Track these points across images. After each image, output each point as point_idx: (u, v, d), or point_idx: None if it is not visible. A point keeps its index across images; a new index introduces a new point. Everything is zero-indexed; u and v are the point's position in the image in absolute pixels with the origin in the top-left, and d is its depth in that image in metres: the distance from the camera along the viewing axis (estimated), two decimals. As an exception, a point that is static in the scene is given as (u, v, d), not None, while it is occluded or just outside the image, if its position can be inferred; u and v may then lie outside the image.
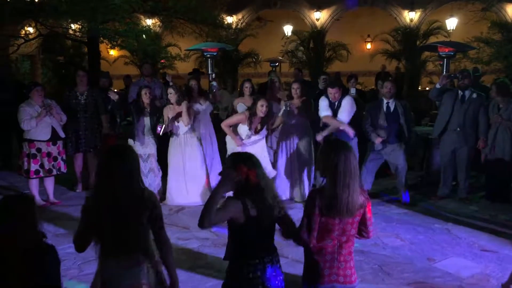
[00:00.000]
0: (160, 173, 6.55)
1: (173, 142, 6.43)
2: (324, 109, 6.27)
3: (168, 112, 6.29)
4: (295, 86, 6.47)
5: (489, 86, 7.62)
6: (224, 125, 6.20)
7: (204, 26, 12.86)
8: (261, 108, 5.86)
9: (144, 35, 11.37)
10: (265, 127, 6.08)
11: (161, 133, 6.31)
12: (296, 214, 5.96)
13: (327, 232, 2.69)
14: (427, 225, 5.64)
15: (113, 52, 16.39)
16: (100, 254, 2.63)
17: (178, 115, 6.26)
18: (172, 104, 6.29)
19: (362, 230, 2.80)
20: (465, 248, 4.97)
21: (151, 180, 6.35)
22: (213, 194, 2.59)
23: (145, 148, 6.33)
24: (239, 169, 2.61)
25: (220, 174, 2.70)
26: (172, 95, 6.26)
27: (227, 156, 3.31)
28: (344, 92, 6.55)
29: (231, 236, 2.73)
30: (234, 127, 6.18)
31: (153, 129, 6.36)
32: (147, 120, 6.34)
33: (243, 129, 6.07)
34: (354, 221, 2.71)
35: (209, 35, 13.91)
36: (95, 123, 6.98)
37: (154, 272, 2.67)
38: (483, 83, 8.87)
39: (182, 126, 6.32)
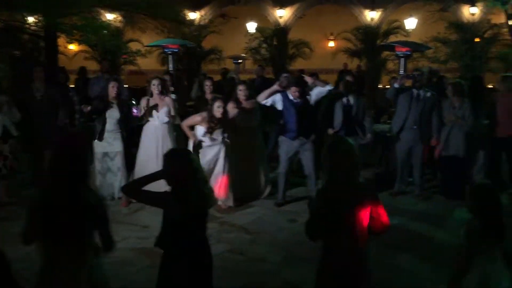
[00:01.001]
0: (126, 172, 6.37)
1: (147, 131, 6.32)
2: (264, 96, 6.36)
3: (147, 102, 6.26)
4: (241, 87, 6.46)
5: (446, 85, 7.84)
6: (183, 125, 6.16)
7: (166, 22, 12.72)
8: (218, 109, 5.84)
9: (104, 30, 11.14)
10: (221, 129, 6.00)
11: (139, 116, 6.23)
12: (255, 212, 6.07)
13: (336, 227, 2.77)
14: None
15: (73, 47, 15.98)
16: (44, 248, 2.62)
17: (157, 105, 6.23)
18: (151, 96, 6.26)
19: (375, 225, 2.88)
20: (421, 244, 5.11)
21: (120, 179, 6.25)
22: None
23: (111, 145, 6.21)
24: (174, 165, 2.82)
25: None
26: (155, 86, 6.22)
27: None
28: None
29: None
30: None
31: (122, 123, 6.23)
32: (115, 114, 6.21)
33: (200, 130, 6.01)
34: (362, 215, 2.79)
35: (171, 31, 13.76)
36: (52, 119, 6.79)
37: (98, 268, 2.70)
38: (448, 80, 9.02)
39: (162, 116, 6.25)
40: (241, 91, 6.40)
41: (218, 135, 6.01)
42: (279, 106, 6.23)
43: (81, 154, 2.71)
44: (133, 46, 14.75)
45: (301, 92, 6.16)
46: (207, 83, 6.84)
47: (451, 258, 3.21)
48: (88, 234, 2.67)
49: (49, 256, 2.62)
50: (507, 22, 11.95)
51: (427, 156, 6.92)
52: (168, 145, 6.26)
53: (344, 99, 6.60)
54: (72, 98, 7.23)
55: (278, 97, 6.27)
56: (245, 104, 6.41)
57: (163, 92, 6.30)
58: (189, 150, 3.07)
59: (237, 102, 6.40)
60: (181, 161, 2.84)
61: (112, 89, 6.19)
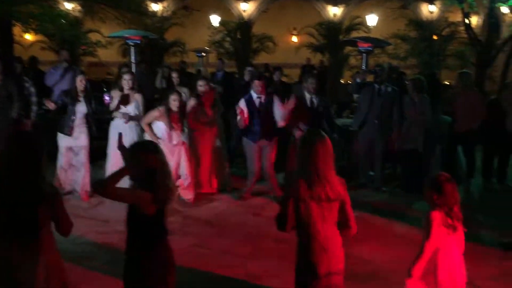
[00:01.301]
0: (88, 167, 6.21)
1: (115, 126, 6.16)
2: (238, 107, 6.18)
3: (117, 95, 6.15)
4: (201, 83, 6.40)
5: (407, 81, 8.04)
6: (143, 123, 6.04)
7: (127, 13, 12.41)
8: (174, 102, 5.77)
9: (62, 20, 10.76)
10: (182, 123, 5.95)
11: (109, 106, 6.10)
12: (219, 206, 6.05)
13: (310, 221, 2.78)
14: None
15: (29, 36, 15.38)
16: None
17: (126, 100, 6.12)
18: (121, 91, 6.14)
19: (345, 223, 2.93)
20: (379, 235, 5.22)
21: (83, 175, 6.08)
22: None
23: (76, 140, 6.03)
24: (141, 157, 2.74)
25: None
26: (126, 81, 6.10)
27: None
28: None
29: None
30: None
31: (90, 117, 6.07)
32: (82, 108, 6.03)
33: (159, 126, 5.92)
34: (334, 208, 2.83)
35: (132, 22, 13.45)
36: (7, 111, 6.51)
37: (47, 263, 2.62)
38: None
39: (131, 111, 6.13)
40: (201, 86, 6.34)
41: (177, 136, 5.93)
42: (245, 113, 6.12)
43: (33, 148, 2.64)
44: (93, 36, 14.35)
45: (264, 87, 6.10)
46: (174, 75, 6.74)
47: (410, 248, 3.29)
48: (44, 228, 2.61)
49: (3, 253, 2.54)
50: (463, 21, 12.33)
51: (387, 150, 7.07)
52: (136, 133, 6.18)
53: (308, 99, 6.56)
54: (29, 89, 6.95)
55: (242, 103, 6.15)
56: (205, 99, 6.35)
57: (134, 87, 6.18)
58: (156, 143, 2.98)
59: (198, 97, 6.34)
60: (151, 152, 2.76)
61: (80, 83, 6.02)
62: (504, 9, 13.18)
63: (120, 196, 2.70)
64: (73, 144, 6.02)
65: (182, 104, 5.93)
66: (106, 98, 6.10)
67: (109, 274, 4.05)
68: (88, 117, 6.06)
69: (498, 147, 6.97)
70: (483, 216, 5.74)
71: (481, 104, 6.96)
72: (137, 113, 6.17)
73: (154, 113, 5.99)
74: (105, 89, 6.17)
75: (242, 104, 6.10)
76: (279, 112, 6.07)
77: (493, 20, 12.25)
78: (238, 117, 6.03)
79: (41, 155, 2.67)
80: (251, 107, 6.09)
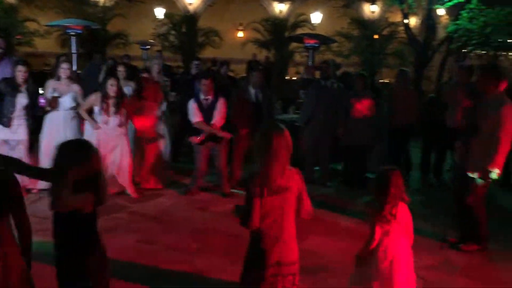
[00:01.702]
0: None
1: (50, 119, 5.94)
2: (193, 114, 6.05)
3: (52, 85, 5.89)
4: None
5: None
6: (81, 110, 5.88)
7: (67, 1, 11.92)
8: (111, 87, 5.66)
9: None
10: (121, 110, 5.80)
11: (46, 107, 5.79)
12: (165, 201, 5.95)
13: (268, 213, 2.77)
14: (292, 207, 5.93)
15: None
16: None
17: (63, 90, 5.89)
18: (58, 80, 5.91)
19: (302, 210, 2.92)
20: (326, 228, 5.33)
21: None
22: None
23: (13, 133, 5.70)
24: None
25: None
26: (63, 70, 5.88)
27: None
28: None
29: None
30: None
31: (29, 108, 5.76)
32: (23, 100, 5.70)
33: (97, 110, 5.81)
34: (291, 198, 2.82)
35: (72, 12, 12.94)
36: None
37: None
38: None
39: (67, 102, 5.88)
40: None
41: (115, 120, 5.78)
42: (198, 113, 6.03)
43: None
44: (30, 26, 13.65)
45: (212, 86, 5.97)
46: (120, 68, 6.53)
47: (356, 240, 3.38)
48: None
49: None
50: (403, 21, 12.80)
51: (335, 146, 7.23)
52: (73, 133, 5.94)
53: (252, 94, 6.58)
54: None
55: (190, 105, 6.07)
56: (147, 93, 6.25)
57: (72, 77, 5.97)
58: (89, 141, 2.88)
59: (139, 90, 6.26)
60: (87, 152, 2.67)
61: (19, 74, 5.67)
62: (441, 11, 13.84)
63: (75, 204, 2.61)
64: (9, 137, 5.69)
65: (122, 93, 5.81)
66: (42, 101, 5.77)
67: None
68: (27, 110, 5.75)
69: (436, 143, 7.29)
70: (420, 209, 5.99)
71: (417, 101, 7.39)
72: (74, 104, 5.94)
73: (91, 98, 5.86)
74: (41, 91, 5.82)
75: (193, 105, 6.02)
76: (218, 111, 6.02)
77: (430, 21, 12.81)
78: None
79: None
80: (198, 108, 6.02)
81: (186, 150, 7.29)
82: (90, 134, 5.80)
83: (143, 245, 4.65)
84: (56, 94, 5.87)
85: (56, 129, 5.90)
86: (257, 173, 2.81)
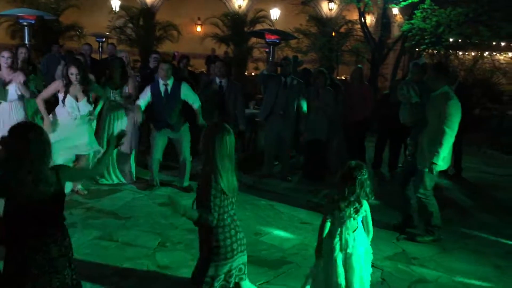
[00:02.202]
0: None
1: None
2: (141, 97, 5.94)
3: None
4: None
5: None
6: (38, 100, 5.59)
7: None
8: (71, 76, 5.46)
9: None
10: (88, 98, 5.62)
11: None
12: (124, 197, 5.83)
13: (224, 212, 2.95)
14: (253, 201, 5.96)
15: None
16: None
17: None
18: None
19: None
20: (286, 222, 5.38)
21: None
22: None
23: None
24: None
25: None
26: (4, 59, 5.60)
27: None
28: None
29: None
30: None
31: None
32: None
33: (69, 99, 5.54)
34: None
35: (25, 1, 12.43)
36: None
37: None
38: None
39: (11, 93, 5.63)
40: None
41: (83, 106, 5.61)
42: (146, 97, 5.90)
43: None
44: (-22, 15, 13.00)
45: (169, 72, 5.84)
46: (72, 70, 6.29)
47: (315, 233, 3.44)
48: None
49: None
50: (360, 19, 13.06)
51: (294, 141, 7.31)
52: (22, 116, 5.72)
53: (217, 83, 6.60)
54: None
55: (147, 88, 5.94)
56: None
57: (13, 66, 5.69)
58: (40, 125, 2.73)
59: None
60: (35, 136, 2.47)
61: None
62: (395, 10, 14.21)
63: None
64: None
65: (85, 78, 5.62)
66: None
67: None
68: None
69: (390, 138, 7.51)
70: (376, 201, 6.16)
71: (372, 97, 7.73)
72: (19, 93, 5.69)
73: (55, 84, 5.62)
74: None
75: (146, 92, 5.90)
76: (192, 94, 5.98)
77: (385, 20, 13.12)
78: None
79: None
80: (156, 95, 5.89)
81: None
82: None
83: (102, 241, 4.53)
84: None
85: (2, 121, 5.66)
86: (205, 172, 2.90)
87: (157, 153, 6.10)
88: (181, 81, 6.09)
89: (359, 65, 8.62)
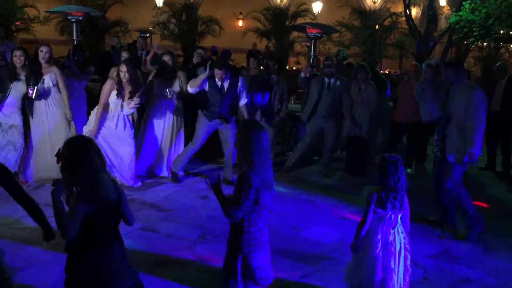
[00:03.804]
0: (21, 150, 5.86)
1: (35, 106, 5.85)
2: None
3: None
4: (166, 58, 6.21)
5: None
6: (99, 108, 5.70)
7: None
8: (121, 73, 5.59)
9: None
10: (137, 96, 5.69)
11: (33, 96, 5.65)
12: (166, 189, 5.95)
13: (263, 207, 2.92)
14: (293, 196, 5.96)
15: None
16: None
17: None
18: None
19: None
20: (326, 217, 5.35)
21: (7, 154, 5.72)
22: (55, 207, 2.41)
23: (7, 117, 5.66)
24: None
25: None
26: (42, 53, 5.77)
27: None
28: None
29: None
30: None
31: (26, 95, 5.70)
32: (21, 86, 5.64)
33: (113, 95, 5.69)
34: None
35: (72, -1, 12.86)
36: None
37: None
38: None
39: (47, 83, 5.79)
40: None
41: (126, 107, 5.73)
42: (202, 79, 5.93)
43: None
44: (29, 12, 13.53)
45: (225, 73, 5.92)
46: (124, 54, 6.46)
47: (350, 227, 3.40)
48: None
49: None
50: (404, 11, 12.73)
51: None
52: (57, 113, 5.90)
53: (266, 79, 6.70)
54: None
55: (204, 75, 5.96)
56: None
57: (50, 61, 5.86)
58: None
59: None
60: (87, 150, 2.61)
61: (16, 59, 5.58)
62: (442, 2, 13.77)
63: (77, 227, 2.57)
64: (3, 120, 5.67)
65: (136, 77, 5.73)
66: (30, 91, 5.67)
67: (52, 259, 3.89)
68: (24, 96, 5.69)
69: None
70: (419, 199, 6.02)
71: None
72: (51, 85, 5.83)
73: (106, 87, 5.68)
74: (31, 81, 5.69)
75: (202, 83, 5.92)
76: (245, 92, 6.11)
77: (431, 12, 12.73)
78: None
79: None
80: (213, 87, 5.95)
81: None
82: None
83: (145, 232, 4.66)
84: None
85: (41, 116, 5.87)
86: (249, 170, 2.86)
87: (199, 142, 6.14)
88: (237, 76, 6.14)
89: (415, 62, 8.26)
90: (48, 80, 5.81)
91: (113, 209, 2.62)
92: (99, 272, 2.59)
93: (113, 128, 5.76)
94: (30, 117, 5.87)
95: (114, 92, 5.67)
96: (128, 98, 5.67)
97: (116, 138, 5.78)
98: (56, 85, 5.87)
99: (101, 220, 2.57)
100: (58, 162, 2.57)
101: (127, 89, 5.68)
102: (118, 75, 5.69)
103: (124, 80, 5.64)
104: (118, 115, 5.76)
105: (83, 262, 2.57)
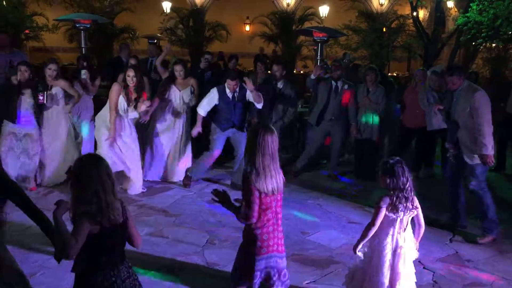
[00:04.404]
0: (37, 158, 5.95)
1: (47, 117, 6.05)
2: (204, 104, 6.09)
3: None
4: (178, 68, 6.29)
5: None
6: (111, 107, 5.74)
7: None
8: (128, 78, 5.67)
9: (4, 2, 10.19)
10: (143, 102, 5.78)
11: (45, 102, 5.78)
12: (174, 195, 5.97)
13: (265, 209, 2.93)
14: (300, 201, 5.95)
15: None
16: None
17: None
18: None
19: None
20: (334, 221, 5.34)
21: (23, 162, 5.81)
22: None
23: (21, 126, 5.77)
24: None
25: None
26: (51, 71, 5.95)
27: None
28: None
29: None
30: None
31: (37, 108, 5.85)
32: (27, 99, 5.76)
33: (121, 99, 5.76)
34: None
35: (80, 6, 12.96)
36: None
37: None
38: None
39: (57, 97, 5.97)
40: (177, 72, 6.27)
41: (131, 112, 5.80)
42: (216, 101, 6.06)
43: None
44: (38, 20, 13.67)
45: (237, 84, 5.96)
46: (132, 61, 6.53)
47: (359, 231, 3.39)
48: None
49: None
50: (412, 13, 12.69)
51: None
52: (65, 124, 6.14)
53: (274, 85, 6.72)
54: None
55: (214, 93, 6.06)
56: (181, 83, 6.33)
57: (57, 77, 6.03)
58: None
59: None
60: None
61: (20, 74, 5.67)
62: (450, 4, 13.70)
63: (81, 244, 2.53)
64: (17, 129, 5.78)
65: (140, 83, 5.79)
66: (41, 97, 5.75)
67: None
68: (34, 109, 5.85)
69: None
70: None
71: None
72: (60, 96, 6.03)
73: (113, 92, 5.69)
74: (39, 88, 5.78)
75: (214, 93, 6.03)
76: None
77: (439, 13, 12.67)
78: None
79: None
80: (224, 101, 6.02)
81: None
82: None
83: (153, 237, 4.68)
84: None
85: (52, 126, 6.07)
86: (249, 170, 2.91)
87: (216, 151, 6.20)
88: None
89: (422, 67, 8.21)
90: (56, 93, 6.01)
91: (119, 232, 2.58)
92: None
93: (120, 132, 5.81)
94: (40, 125, 5.99)
95: (121, 97, 5.73)
96: (135, 102, 5.73)
97: (123, 142, 5.83)
98: (63, 97, 6.06)
99: (106, 242, 2.52)
100: (68, 179, 2.59)
101: (133, 94, 5.74)
102: (124, 79, 5.75)
103: (130, 85, 5.69)
104: (124, 120, 5.82)
105: (87, 284, 2.54)
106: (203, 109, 6.09)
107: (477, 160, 4.72)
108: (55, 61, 6.16)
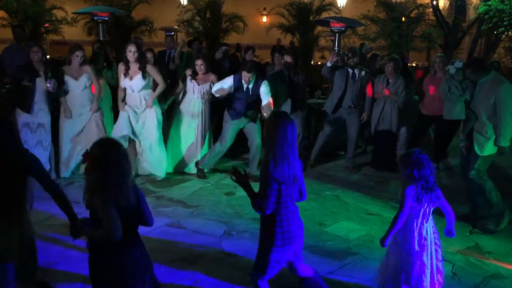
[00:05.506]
0: (51, 148, 6.03)
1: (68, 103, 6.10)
2: (217, 84, 6.13)
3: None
4: (199, 62, 6.29)
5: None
6: (120, 88, 6.05)
7: (93, -11, 12.04)
8: (129, 53, 5.79)
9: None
10: (143, 75, 5.89)
11: (51, 90, 5.79)
12: (192, 186, 6.01)
13: (283, 200, 2.96)
14: (318, 192, 5.92)
15: (-12, 13, 14.71)
16: None
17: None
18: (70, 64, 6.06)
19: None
20: (352, 213, 5.31)
21: (38, 154, 5.88)
22: (92, 236, 2.63)
23: (34, 116, 5.82)
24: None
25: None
26: (78, 57, 6.01)
27: None
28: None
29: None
30: None
31: (50, 95, 5.87)
32: (41, 84, 5.77)
33: (123, 77, 5.96)
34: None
35: (98, -1, 13.06)
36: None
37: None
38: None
39: (81, 83, 6.04)
40: (197, 66, 6.28)
41: (139, 81, 5.91)
42: (228, 86, 6.07)
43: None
44: (57, 14, 13.82)
45: (253, 76, 5.95)
46: (149, 55, 6.56)
47: (382, 224, 3.36)
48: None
49: None
50: (431, 2, 12.46)
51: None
52: (90, 113, 6.14)
53: (286, 75, 6.60)
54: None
55: (229, 79, 6.07)
56: (201, 78, 6.34)
57: (83, 63, 6.07)
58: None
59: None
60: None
61: (33, 54, 5.74)
62: (471, -8, 13.41)
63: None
64: (30, 120, 5.82)
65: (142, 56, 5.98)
66: (48, 84, 5.79)
67: (84, 254, 3.97)
68: (48, 94, 5.85)
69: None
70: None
71: None
72: (87, 85, 6.09)
73: (119, 69, 5.96)
74: (49, 74, 5.82)
75: (229, 80, 6.06)
76: (267, 93, 6.03)
77: (459, 2, 12.44)
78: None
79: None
80: (239, 90, 6.04)
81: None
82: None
83: (171, 228, 4.72)
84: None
85: (73, 113, 6.10)
86: (267, 159, 2.92)
87: (227, 141, 6.20)
88: (262, 79, 6.12)
89: (440, 54, 8.07)
90: (84, 80, 6.05)
91: (133, 212, 2.64)
92: (117, 274, 2.62)
93: (137, 109, 6.01)
94: (61, 115, 6.09)
95: (123, 74, 5.91)
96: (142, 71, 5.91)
97: (142, 122, 6.00)
98: (90, 86, 6.10)
99: (124, 222, 2.57)
100: (84, 162, 2.62)
101: (134, 67, 5.85)
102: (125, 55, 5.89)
103: (131, 60, 5.80)
104: (137, 96, 5.98)
105: (102, 262, 2.62)
106: (215, 88, 6.11)
107: (486, 152, 4.75)
108: (81, 48, 6.18)
